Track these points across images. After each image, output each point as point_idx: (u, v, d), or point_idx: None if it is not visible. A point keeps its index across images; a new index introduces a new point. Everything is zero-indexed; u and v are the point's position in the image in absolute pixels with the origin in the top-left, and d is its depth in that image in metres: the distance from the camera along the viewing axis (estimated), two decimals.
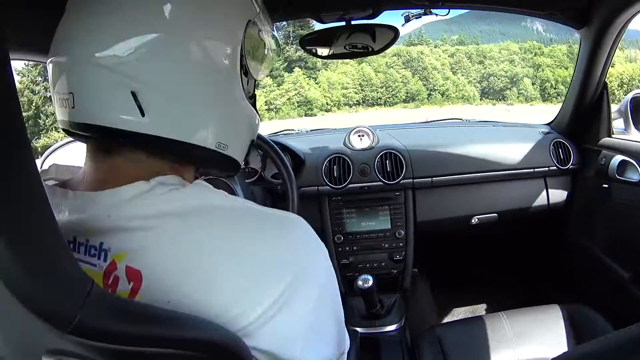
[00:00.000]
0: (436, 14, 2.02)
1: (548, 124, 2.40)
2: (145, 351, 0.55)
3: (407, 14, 2.09)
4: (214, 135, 0.74)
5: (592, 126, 2.07)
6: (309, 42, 1.87)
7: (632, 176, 1.80)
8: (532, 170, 2.16)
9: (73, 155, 2.07)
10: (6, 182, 0.46)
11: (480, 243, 2.70)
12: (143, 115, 0.66)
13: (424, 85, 48.78)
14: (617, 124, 2.06)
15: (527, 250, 2.69)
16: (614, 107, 2.03)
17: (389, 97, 46.51)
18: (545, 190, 2.20)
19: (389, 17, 1.95)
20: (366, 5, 1.77)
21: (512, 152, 2.17)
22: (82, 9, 0.68)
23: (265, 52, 0.86)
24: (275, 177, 1.95)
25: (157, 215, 0.66)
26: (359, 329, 1.83)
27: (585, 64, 1.95)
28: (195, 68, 0.69)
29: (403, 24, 2.12)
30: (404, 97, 47.48)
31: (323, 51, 1.92)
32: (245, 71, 0.78)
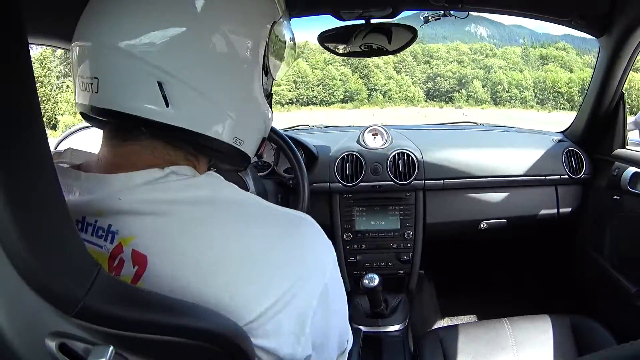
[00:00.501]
0: (455, 17, 2.02)
1: (562, 132, 2.39)
2: (148, 338, 0.56)
3: (426, 15, 2.09)
4: (232, 130, 0.75)
5: (607, 136, 2.05)
6: (328, 38, 1.87)
7: None
8: (544, 177, 2.14)
9: (87, 140, 2.08)
10: (19, 165, 0.46)
11: (488, 248, 2.69)
12: (167, 105, 0.68)
13: (365, 84, 47.69)
14: (632, 135, 2.04)
15: (534, 258, 2.69)
16: (629, 119, 2.01)
17: (326, 96, 45.00)
18: (555, 199, 2.19)
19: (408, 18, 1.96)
20: (386, 5, 1.77)
21: (524, 158, 2.16)
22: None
23: (286, 53, 0.88)
24: (287, 171, 1.96)
25: (169, 202, 0.67)
26: (362, 328, 1.83)
27: (603, 73, 1.93)
28: (221, 63, 0.71)
29: (422, 25, 2.12)
30: (341, 97, 46.11)
31: (341, 48, 1.92)
32: (266, 70, 0.80)
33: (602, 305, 2.10)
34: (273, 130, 1.77)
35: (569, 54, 50.20)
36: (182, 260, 0.65)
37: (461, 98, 48.20)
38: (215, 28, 0.70)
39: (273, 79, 0.87)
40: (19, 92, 0.47)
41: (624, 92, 1.97)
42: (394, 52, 1.90)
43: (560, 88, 48.21)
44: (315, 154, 2.11)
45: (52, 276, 0.48)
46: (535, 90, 49.21)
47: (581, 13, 1.81)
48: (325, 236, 0.79)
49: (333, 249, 0.80)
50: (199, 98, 0.70)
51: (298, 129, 2.67)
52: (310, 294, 0.72)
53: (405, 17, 1.91)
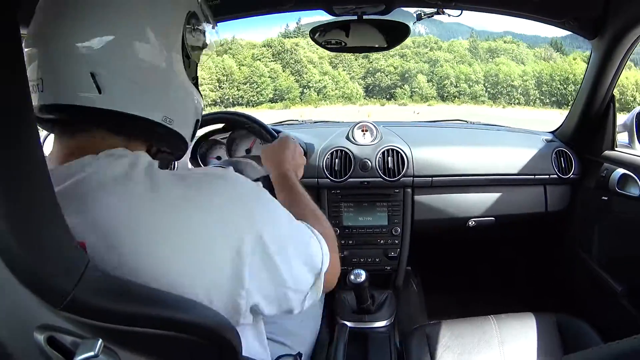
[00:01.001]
0: (449, 14, 2.02)
1: (552, 132, 2.40)
2: (137, 331, 0.56)
3: (419, 12, 2.08)
4: (160, 110, 0.84)
5: (596, 137, 2.06)
6: (320, 33, 1.86)
7: (633, 191, 1.79)
8: (533, 177, 2.15)
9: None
10: (9, 159, 0.47)
11: (476, 246, 2.70)
12: (100, 92, 0.77)
13: (297, 81, 44.51)
14: (622, 137, 2.05)
15: (522, 257, 2.70)
16: (619, 121, 2.02)
17: (253, 96, 42.42)
18: (544, 198, 2.20)
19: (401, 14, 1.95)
20: (379, 1, 1.77)
21: (514, 157, 2.17)
22: (51, 5, 0.79)
23: (204, 39, 0.99)
24: (248, 152, 1.95)
25: (96, 186, 0.72)
26: (348, 323, 1.83)
27: (595, 75, 1.94)
28: (143, 51, 0.80)
29: (414, 22, 2.12)
30: (270, 96, 43.36)
31: (333, 44, 1.92)
32: (187, 55, 0.90)
33: (589, 304, 2.12)
34: (261, 125, 1.77)
35: (519, 46, 48.13)
36: (114, 237, 0.68)
37: (404, 94, 45.34)
38: (135, 22, 0.80)
39: (196, 63, 0.99)
40: (11, 90, 0.48)
41: (618, 91, 1.98)
42: (386, 49, 1.89)
43: (513, 81, 45.43)
44: (304, 149, 2.10)
45: (40, 269, 0.49)
46: (486, 85, 45.83)
47: (575, 15, 1.82)
48: (246, 184, 0.85)
49: (256, 193, 0.85)
50: (128, 83, 0.79)
51: (287, 124, 2.66)
52: (239, 250, 0.75)
53: (398, 13, 1.90)
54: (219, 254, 0.73)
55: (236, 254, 0.74)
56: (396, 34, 1.84)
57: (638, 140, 1.99)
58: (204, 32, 0.97)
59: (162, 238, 0.70)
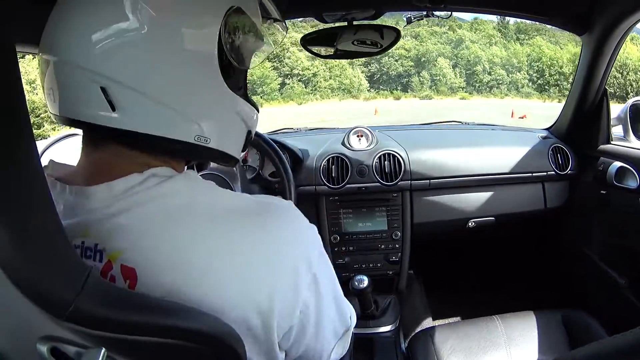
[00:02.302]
0: (438, 16, 2.03)
1: (547, 129, 2.40)
2: (140, 340, 0.56)
3: (409, 15, 2.10)
4: (191, 129, 0.73)
5: (592, 132, 2.07)
6: (310, 41, 1.87)
7: (630, 183, 1.80)
8: (530, 174, 2.16)
9: (70, 149, 2.07)
10: (8, 169, 0.46)
11: (477, 246, 2.70)
12: (114, 110, 0.68)
13: (275, 69, 36.87)
14: (616, 130, 2.06)
15: (523, 255, 2.70)
16: (613, 114, 2.03)
17: None
18: (543, 195, 2.20)
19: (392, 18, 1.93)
20: (368, 6, 1.78)
21: (511, 156, 2.18)
22: (64, 10, 0.70)
23: (255, 39, 0.84)
24: (273, 175, 1.95)
25: (148, 212, 0.68)
26: (353, 330, 1.83)
27: (586, 70, 1.95)
28: (163, 64, 0.69)
29: (405, 26, 2.14)
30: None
31: (324, 51, 1.92)
32: (228, 62, 0.76)
33: (593, 298, 2.11)
34: (257, 134, 1.75)
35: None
36: (169, 266, 0.65)
37: (422, 84, 37.15)
38: (153, 31, 0.68)
39: (245, 69, 0.84)
40: (7, 98, 0.47)
41: (607, 88, 1.98)
42: (377, 53, 1.90)
43: (561, 67, 35.68)
44: (301, 157, 2.11)
45: (42, 280, 0.48)
46: (530, 72, 37.22)
47: (561, 12, 1.83)
48: (305, 220, 0.80)
49: (315, 231, 0.80)
50: (144, 100, 0.69)
51: (282, 133, 2.67)
52: (300, 287, 0.73)
53: (387, 18, 1.86)
54: (278, 283, 0.71)
55: (294, 286, 0.73)
56: (387, 37, 1.85)
57: (633, 132, 2.00)
58: (254, 31, 0.82)
59: (221, 264, 0.67)
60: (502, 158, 2.17)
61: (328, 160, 2.11)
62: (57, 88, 0.70)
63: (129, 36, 0.66)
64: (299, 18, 1.94)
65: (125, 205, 0.67)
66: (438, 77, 37.93)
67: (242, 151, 0.87)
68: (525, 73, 38.05)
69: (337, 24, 1.84)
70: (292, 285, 0.72)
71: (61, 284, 0.50)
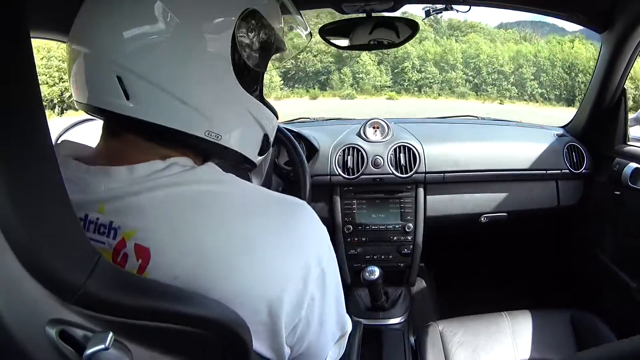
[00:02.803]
0: (457, 10, 2.02)
1: (563, 127, 2.39)
2: (147, 325, 0.57)
3: (428, 8, 2.08)
4: (201, 123, 0.75)
5: (608, 132, 2.05)
6: (329, 31, 1.87)
7: None
8: (545, 172, 2.15)
9: (88, 134, 2.09)
10: (18, 152, 0.47)
11: (489, 242, 2.69)
12: (128, 98, 0.71)
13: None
14: (633, 131, 2.04)
15: (534, 252, 2.69)
16: (631, 115, 2.01)
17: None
18: (556, 194, 2.19)
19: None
20: None
21: (525, 152, 2.17)
22: (98, 7, 0.74)
23: (272, 41, 0.84)
24: (288, 164, 1.96)
25: (170, 195, 0.69)
26: (362, 320, 1.83)
27: (605, 68, 1.93)
28: (177, 58, 0.72)
29: (423, 19, 2.12)
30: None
31: (342, 42, 1.92)
32: (242, 63, 0.78)
33: (602, 300, 2.10)
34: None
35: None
36: (184, 249, 0.67)
37: (341, 82, 34.26)
38: (172, 27, 0.71)
39: (257, 71, 0.83)
40: (20, 81, 0.48)
41: (627, 86, 1.97)
42: (395, 46, 1.89)
43: (501, 66, 33.79)
44: (316, 147, 2.11)
45: (52, 263, 0.49)
46: (466, 70, 34.81)
47: (582, 8, 1.81)
48: (320, 222, 0.81)
49: (326, 231, 0.82)
50: (158, 92, 0.71)
51: (299, 122, 2.67)
52: (309, 280, 0.74)
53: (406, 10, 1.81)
54: (290, 275, 0.72)
55: (302, 280, 0.73)
56: (405, 30, 1.84)
57: None
58: (267, 32, 0.82)
59: (238, 253, 0.68)
60: (516, 154, 2.16)
61: (343, 150, 2.11)
62: (83, 77, 0.74)
63: (147, 34, 0.70)
64: (317, 8, 1.93)
65: (148, 186, 0.69)
66: (361, 75, 35.72)
67: (260, 155, 0.89)
68: (461, 72, 35.77)
69: (356, 15, 1.84)
70: (302, 277, 0.73)
71: (71, 268, 0.51)
